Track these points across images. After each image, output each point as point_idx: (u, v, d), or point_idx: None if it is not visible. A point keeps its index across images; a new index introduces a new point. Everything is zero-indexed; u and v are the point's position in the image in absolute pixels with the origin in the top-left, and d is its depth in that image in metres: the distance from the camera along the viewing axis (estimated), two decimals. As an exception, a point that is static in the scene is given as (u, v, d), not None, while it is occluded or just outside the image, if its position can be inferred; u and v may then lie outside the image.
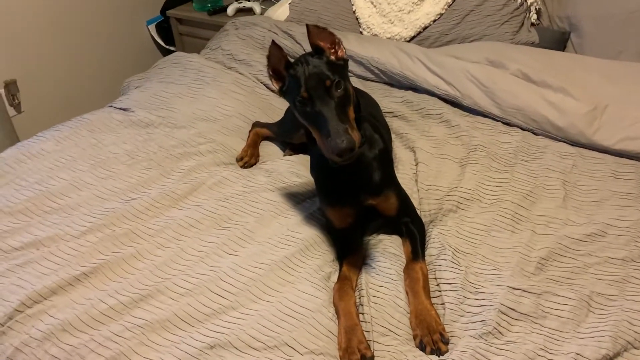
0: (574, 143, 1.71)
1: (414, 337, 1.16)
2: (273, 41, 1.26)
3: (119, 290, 1.27)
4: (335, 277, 1.32)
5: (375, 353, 1.13)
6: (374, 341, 1.15)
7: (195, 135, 1.82)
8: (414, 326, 1.17)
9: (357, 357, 1.10)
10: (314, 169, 1.49)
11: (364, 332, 1.16)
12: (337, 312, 1.21)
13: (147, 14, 3.25)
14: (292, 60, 1.28)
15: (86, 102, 2.73)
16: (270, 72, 1.30)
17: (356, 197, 1.38)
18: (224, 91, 2.04)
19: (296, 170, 1.68)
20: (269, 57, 1.28)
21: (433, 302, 1.23)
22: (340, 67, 1.26)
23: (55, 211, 1.51)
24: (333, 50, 1.28)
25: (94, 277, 1.31)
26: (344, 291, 1.24)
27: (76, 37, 2.90)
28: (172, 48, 3.22)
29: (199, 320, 1.20)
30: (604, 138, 1.66)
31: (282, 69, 1.28)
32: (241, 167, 1.73)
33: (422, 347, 1.14)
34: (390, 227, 1.45)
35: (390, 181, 1.44)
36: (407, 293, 1.25)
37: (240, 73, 2.19)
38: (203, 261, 1.36)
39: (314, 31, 1.25)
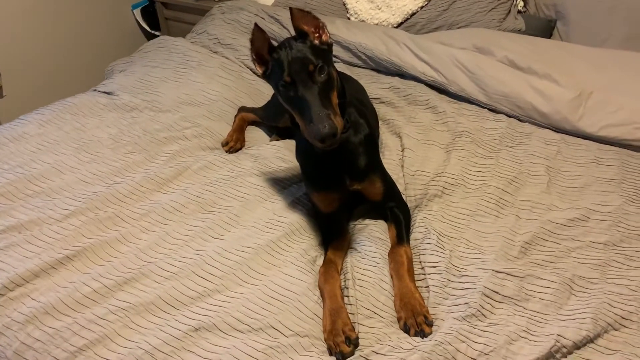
0: (558, 130, 1.72)
1: (398, 320, 1.17)
2: (256, 24, 1.25)
3: (102, 274, 1.26)
4: (320, 261, 1.32)
5: (360, 335, 1.13)
6: (358, 323, 1.16)
7: (180, 119, 1.81)
8: (398, 309, 1.18)
9: (342, 339, 1.10)
10: (299, 154, 1.49)
11: (349, 315, 1.17)
12: (322, 295, 1.22)
13: (132, -3, 3.21)
14: (276, 44, 1.27)
15: (70, 87, 2.68)
16: (254, 56, 1.29)
17: (342, 182, 1.38)
18: (210, 76, 2.02)
19: (282, 155, 1.67)
20: (252, 41, 1.26)
21: (417, 285, 1.24)
22: (324, 51, 1.25)
23: (37, 194, 1.49)
24: (317, 35, 1.27)
25: (78, 260, 1.30)
26: (329, 274, 1.24)
27: (60, 20, 2.84)
28: (157, 33, 3.17)
29: (184, 303, 1.20)
30: (587, 125, 1.67)
31: (265, 52, 1.27)
32: (227, 151, 1.72)
33: (406, 329, 1.15)
34: (375, 211, 1.45)
35: (376, 166, 1.44)
36: (391, 276, 1.25)
37: (226, 58, 2.17)
38: (188, 245, 1.35)
39: (297, 15, 1.24)
